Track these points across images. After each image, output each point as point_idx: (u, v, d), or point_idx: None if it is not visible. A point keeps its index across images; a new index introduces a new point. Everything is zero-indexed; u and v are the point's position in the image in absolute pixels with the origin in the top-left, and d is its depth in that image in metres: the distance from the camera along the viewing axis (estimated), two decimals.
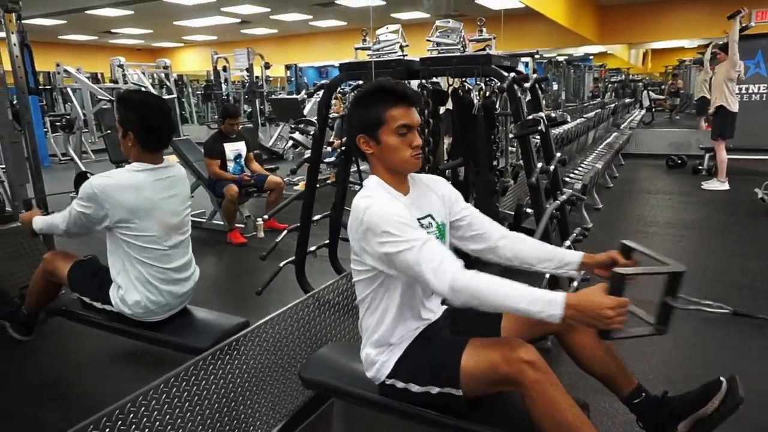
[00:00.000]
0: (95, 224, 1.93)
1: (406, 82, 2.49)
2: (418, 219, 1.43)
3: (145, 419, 1.41)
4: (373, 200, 1.35)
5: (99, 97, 6.61)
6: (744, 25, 5.69)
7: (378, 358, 1.46)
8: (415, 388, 1.41)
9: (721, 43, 6.10)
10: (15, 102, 3.03)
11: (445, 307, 1.62)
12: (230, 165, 4.48)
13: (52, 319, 2.51)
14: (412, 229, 1.30)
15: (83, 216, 1.92)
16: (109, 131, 5.71)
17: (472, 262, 1.41)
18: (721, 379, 1.41)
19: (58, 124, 7.94)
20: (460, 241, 1.58)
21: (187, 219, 2.10)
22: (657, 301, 1.27)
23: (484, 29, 2.57)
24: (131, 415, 1.37)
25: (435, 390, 1.38)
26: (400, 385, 1.43)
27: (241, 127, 4.94)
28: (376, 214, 1.31)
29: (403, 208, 1.36)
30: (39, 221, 2.14)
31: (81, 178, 6.04)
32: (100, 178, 1.91)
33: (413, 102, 1.42)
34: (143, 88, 7.47)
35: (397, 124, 1.38)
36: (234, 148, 4.52)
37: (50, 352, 2.59)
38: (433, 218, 1.49)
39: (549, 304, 1.20)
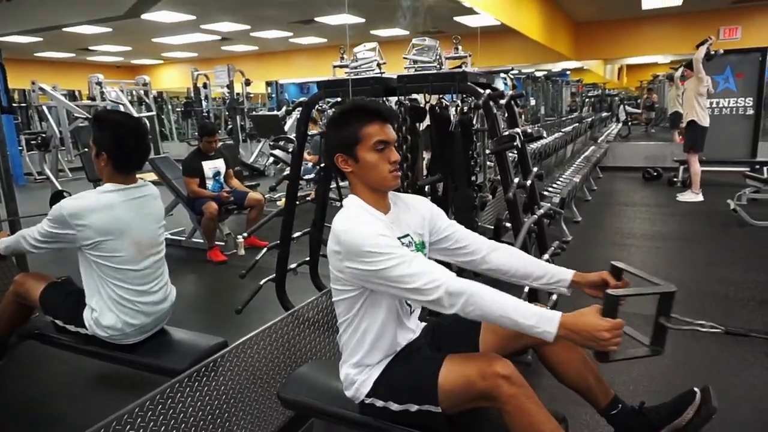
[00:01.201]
0: (65, 244, 1.90)
1: (385, 99, 2.52)
2: (398, 238, 1.43)
3: None
4: (351, 222, 1.35)
5: (76, 114, 6.54)
6: (713, 52, 5.90)
7: (357, 377, 1.45)
8: (394, 406, 1.40)
9: (688, 61, 6.30)
10: None
11: (424, 324, 1.62)
12: (209, 183, 4.45)
13: (24, 343, 2.44)
14: (396, 246, 1.31)
15: (52, 235, 1.89)
16: (86, 149, 5.64)
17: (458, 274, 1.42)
18: (695, 389, 1.43)
19: (33, 142, 7.83)
20: (446, 254, 1.59)
21: (161, 238, 2.07)
22: (651, 319, 1.29)
23: (460, 47, 2.61)
24: None
25: (414, 408, 1.38)
26: (379, 403, 1.42)
27: (221, 143, 4.92)
28: (356, 236, 1.31)
29: (383, 226, 1.36)
30: (3, 243, 2.05)
31: (57, 196, 5.92)
32: (70, 200, 1.89)
33: (388, 118, 1.44)
34: (121, 106, 7.41)
35: (374, 140, 1.39)
36: (213, 166, 4.49)
37: (22, 377, 2.52)
38: (412, 238, 1.50)
39: (544, 320, 1.21)
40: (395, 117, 1.48)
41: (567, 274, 1.50)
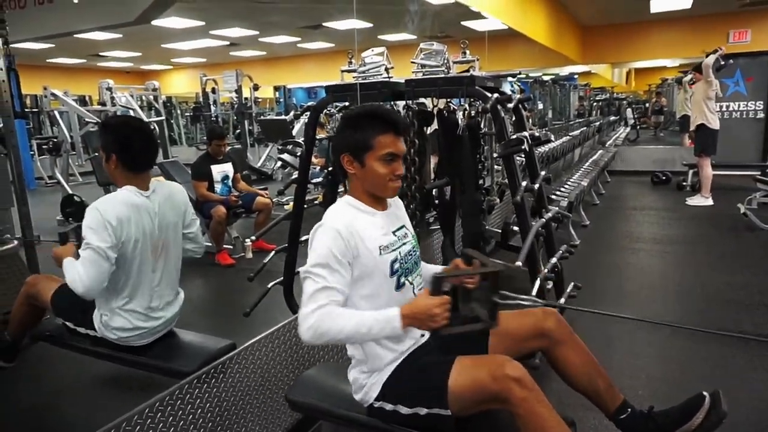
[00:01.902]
0: (113, 252, 1.80)
1: (393, 103, 2.53)
2: (394, 231, 1.48)
3: None
4: (327, 223, 1.39)
5: (86, 119, 6.61)
6: (722, 62, 5.88)
7: (366, 381, 1.45)
8: (404, 410, 1.40)
9: (697, 64, 6.27)
10: (0, 126, 3.02)
11: None
12: (217, 187, 4.48)
13: (36, 345, 2.47)
14: (329, 270, 1.33)
15: (99, 251, 1.76)
16: (96, 154, 5.70)
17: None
18: (705, 393, 1.42)
19: (45, 147, 7.89)
20: None
21: (176, 243, 2.05)
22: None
23: (468, 51, 2.62)
24: None
25: (424, 411, 1.38)
26: (388, 407, 1.42)
27: (229, 148, 4.95)
28: (318, 235, 1.38)
29: (342, 246, 1.35)
30: (67, 266, 1.85)
31: (68, 201, 5.99)
32: (100, 202, 1.83)
33: (402, 132, 1.45)
34: (131, 111, 7.48)
35: (385, 151, 1.40)
36: (221, 170, 4.52)
37: (34, 379, 2.54)
38: (408, 230, 1.54)
39: (388, 321, 1.31)
40: (408, 132, 1.50)
41: (437, 269, 1.60)
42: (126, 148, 1.89)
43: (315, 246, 1.37)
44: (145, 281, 1.93)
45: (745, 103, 7.49)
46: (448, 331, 1.33)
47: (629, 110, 14.14)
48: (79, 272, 1.78)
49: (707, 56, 5.85)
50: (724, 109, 7.37)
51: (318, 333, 1.29)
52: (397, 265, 1.44)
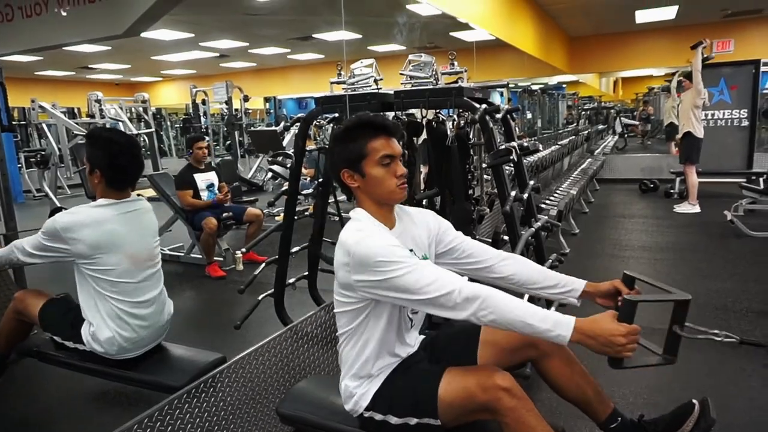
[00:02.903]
0: (59, 256, 1.91)
1: (382, 114, 2.54)
2: None
3: None
4: (363, 234, 1.34)
5: (75, 132, 6.57)
6: (706, 55, 5.95)
7: (357, 390, 1.45)
8: (393, 420, 1.40)
9: (686, 72, 6.36)
10: None
11: (422, 337, 1.62)
12: (203, 194, 4.51)
13: (23, 360, 2.44)
14: (407, 255, 1.31)
15: (45, 247, 1.90)
16: (84, 166, 5.66)
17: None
18: (694, 401, 1.43)
19: (32, 160, 7.85)
20: (455, 263, 1.57)
21: (156, 251, 2.09)
22: (665, 329, 1.29)
23: (456, 62, 2.64)
24: None
25: (413, 421, 1.38)
26: (378, 417, 1.42)
27: (219, 159, 4.95)
28: (368, 246, 1.30)
29: (393, 237, 1.37)
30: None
31: (55, 213, 5.95)
32: (63, 215, 1.91)
33: (393, 132, 1.44)
34: (120, 123, 7.45)
35: (380, 155, 1.39)
36: (205, 179, 4.54)
37: (21, 395, 2.50)
38: (415, 253, 1.48)
39: (559, 324, 1.21)
40: (400, 131, 1.49)
41: (579, 284, 1.48)
42: (112, 166, 1.93)
43: (372, 252, 1.28)
44: (131, 292, 1.95)
45: (730, 111, 7.60)
46: (628, 365, 1.21)
47: (619, 119, 14.27)
48: (21, 243, 1.96)
49: (692, 48, 5.86)
50: (709, 117, 7.47)
51: (481, 297, 1.22)
52: None
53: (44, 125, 7.69)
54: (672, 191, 7.10)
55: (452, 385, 1.34)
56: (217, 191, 4.56)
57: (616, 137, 12.90)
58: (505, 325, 1.24)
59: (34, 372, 2.58)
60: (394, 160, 1.41)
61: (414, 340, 1.57)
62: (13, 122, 6.32)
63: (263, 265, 2.90)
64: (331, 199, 2.87)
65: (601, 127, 12.28)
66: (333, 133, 1.52)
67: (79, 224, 1.87)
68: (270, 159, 7.12)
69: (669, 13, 9.12)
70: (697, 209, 6.11)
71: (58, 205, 6.08)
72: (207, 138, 6.31)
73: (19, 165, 9.71)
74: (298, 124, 2.72)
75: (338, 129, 1.49)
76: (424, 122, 2.54)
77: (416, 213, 1.58)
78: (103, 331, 1.91)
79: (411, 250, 1.44)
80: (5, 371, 2.37)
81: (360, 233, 1.35)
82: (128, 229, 1.96)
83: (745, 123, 7.56)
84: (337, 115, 2.59)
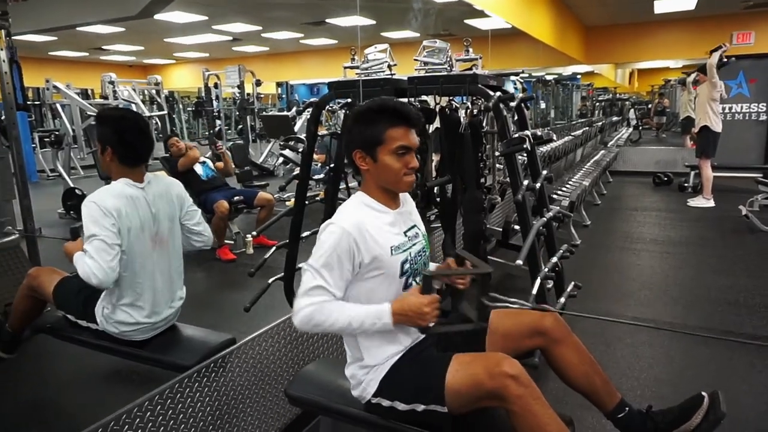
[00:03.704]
0: (117, 238, 1.80)
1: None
2: (405, 231, 1.47)
3: None
4: (337, 222, 1.38)
5: (88, 113, 6.60)
6: (725, 60, 5.85)
7: (364, 378, 1.46)
8: (400, 406, 1.41)
9: (701, 65, 6.26)
10: (2, 118, 3.03)
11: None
12: (199, 169, 4.58)
13: (37, 337, 2.48)
14: (328, 270, 1.34)
15: (103, 239, 1.77)
16: (96, 148, 5.70)
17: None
18: (703, 394, 1.43)
19: (47, 139, 7.90)
20: None
21: (173, 236, 2.06)
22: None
23: (471, 49, 2.61)
24: None
25: (420, 408, 1.38)
26: (386, 403, 1.43)
27: (231, 143, 4.97)
28: (326, 233, 1.37)
29: (347, 247, 1.35)
30: (78, 261, 1.82)
31: (69, 194, 6.00)
32: (95, 194, 1.85)
33: (414, 124, 1.42)
34: (133, 105, 7.48)
35: (396, 144, 1.38)
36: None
37: (34, 371, 2.55)
38: (419, 228, 1.54)
39: (379, 316, 1.34)
40: (421, 123, 1.48)
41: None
42: (122, 142, 1.91)
43: (321, 243, 1.37)
44: (146, 274, 1.94)
45: (748, 105, 7.47)
46: (436, 330, 1.35)
47: (632, 111, 14.11)
48: (88, 264, 1.76)
49: (710, 55, 5.82)
50: (726, 111, 7.35)
51: (311, 324, 1.34)
52: (407, 266, 1.43)
53: (58, 105, 7.73)
54: (686, 185, 7.01)
55: (460, 372, 1.35)
56: (210, 166, 4.69)
57: (631, 129, 12.75)
58: (342, 333, 1.44)
59: (48, 349, 2.61)
60: (409, 152, 1.41)
61: None
62: (28, 102, 6.36)
63: (273, 249, 2.92)
64: (342, 185, 2.87)
65: (615, 118, 12.15)
66: (354, 111, 1.49)
67: (121, 209, 1.83)
68: (281, 144, 7.13)
69: (689, 3, 8.94)
70: (711, 203, 6.04)
71: (72, 185, 6.13)
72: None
73: (34, 145, 9.78)
74: (310, 109, 2.71)
75: (360, 108, 1.47)
76: (437, 109, 2.52)
77: (407, 198, 1.61)
78: (118, 314, 1.93)
79: (414, 226, 1.52)
80: (19, 348, 2.41)
81: (336, 217, 1.41)
82: (149, 212, 1.93)
83: (763, 117, 7.43)
84: (349, 100, 2.57)
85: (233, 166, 5.22)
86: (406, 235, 1.46)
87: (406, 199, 1.58)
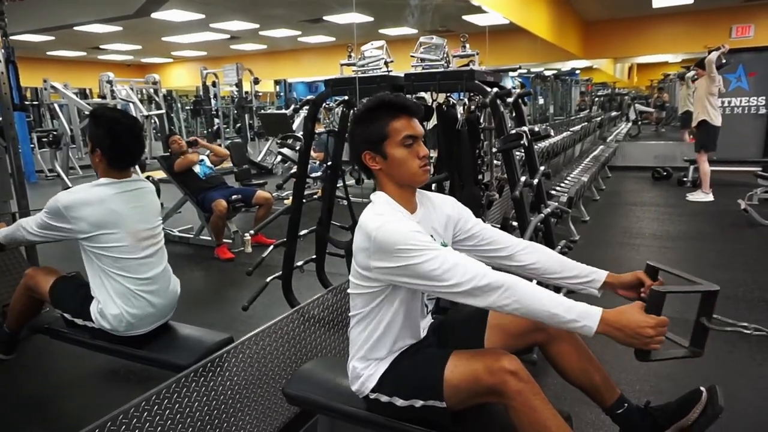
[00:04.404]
0: (63, 235, 1.93)
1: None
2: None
3: None
4: (384, 219, 1.32)
5: (86, 112, 6.59)
6: (723, 60, 5.85)
7: (364, 372, 1.45)
8: (399, 401, 1.40)
9: (699, 61, 6.25)
10: (0, 118, 3.02)
11: (431, 321, 1.62)
12: (197, 168, 4.62)
13: (34, 337, 2.48)
14: (429, 241, 1.29)
15: (49, 226, 1.93)
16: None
17: None
18: (701, 388, 1.42)
19: (45, 140, 7.90)
20: (473, 250, 1.55)
21: (158, 230, 2.10)
22: (692, 321, 1.27)
23: (468, 45, 2.60)
24: None
25: (419, 403, 1.38)
26: (384, 399, 1.42)
27: (229, 141, 4.99)
28: (389, 232, 1.28)
29: (415, 224, 1.34)
30: (2, 232, 2.07)
31: None
32: (64, 194, 1.92)
33: (414, 112, 1.41)
34: (131, 104, 7.46)
35: (402, 135, 1.37)
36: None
37: (32, 371, 2.55)
38: (434, 239, 1.45)
39: (585, 315, 1.19)
40: (422, 110, 1.46)
41: (600, 275, 1.46)
42: (113, 148, 1.95)
43: (394, 238, 1.26)
44: (131, 264, 1.96)
45: (747, 98, 7.46)
46: (654, 358, 1.19)
47: (634, 107, 14.04)
48: (27, 222, 1.98)
49: (710, 52, 5.82)
50: (726, 104, 7.35)
51: (507, 294, 1.20)
52: None
53: (56, 105, 7.72)
54: (685, 179, 7.01)
55: (459, 367, 1.34)
56: (208, 164, 4.73)
57: (630, 124, 12.72)
58: (529, 315, 1.22)
59: (45, 349, 2.61)
60: (416, 140, 1.39)
61: (426, 325, 1.56)
62: (26, 102, 6.35)
63: (271, 247, 2.91)
64: (340, 183, 2.87)
65: (614, 113, 12.13)
66: (353, 115, 1.48)
67: (81, 202, 1.89)
68: (279, 142, 7.12)
69: None
70: (710, 198, 6.03)
71: (70, 185, 6.13)
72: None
73: (32, 145, 9.78)
74: (308, 106, 2.70)
75: (358, 110, 1.46)
76: (434, 106, 2.51)
77: (436, 198, 1.56)
78: (110, 308, 1.94)
79: (431, 236, 1.40)
80: (17, 348, 2.41)
81: (381, 218, 1.32)
82: (130, 207, 1.97)
83: (763, 111, 7.42)
84: (346, 97, 2.56)
85: (219, 149, 5.29)
86: None
87: (432, 202, 1.52)
